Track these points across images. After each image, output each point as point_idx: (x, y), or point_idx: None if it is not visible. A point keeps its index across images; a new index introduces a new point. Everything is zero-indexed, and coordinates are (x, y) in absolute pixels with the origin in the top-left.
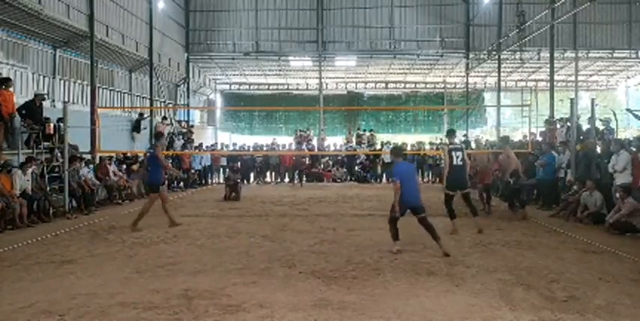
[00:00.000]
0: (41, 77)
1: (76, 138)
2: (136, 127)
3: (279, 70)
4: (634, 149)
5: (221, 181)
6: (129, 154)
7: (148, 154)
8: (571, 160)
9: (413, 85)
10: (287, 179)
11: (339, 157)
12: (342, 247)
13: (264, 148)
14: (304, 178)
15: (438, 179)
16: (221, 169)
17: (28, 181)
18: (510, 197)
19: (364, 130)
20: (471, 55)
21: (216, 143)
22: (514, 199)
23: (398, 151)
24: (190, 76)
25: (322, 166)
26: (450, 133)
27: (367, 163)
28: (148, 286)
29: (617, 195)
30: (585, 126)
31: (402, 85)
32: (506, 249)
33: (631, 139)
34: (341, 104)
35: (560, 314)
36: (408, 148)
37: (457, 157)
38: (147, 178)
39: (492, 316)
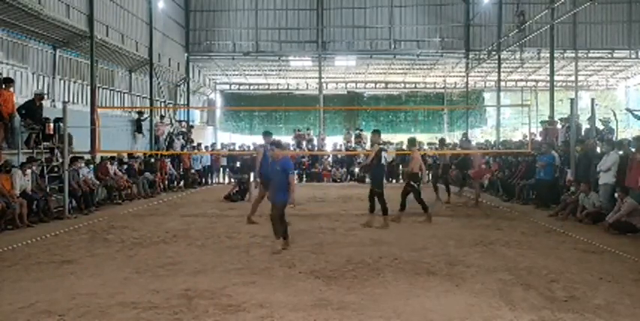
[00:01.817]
0: (41, 77)
1: (76, 138)
2: (137, 127)
3: (279, 70)
4: (633, 150)
5: (221, 181)
6: (136, 155)
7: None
8: (571, 161)
9: (413, 85)
10: None
11: (339, 157)
12: (342, 247)
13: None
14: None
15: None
16: (221, 169)
17: (28, 181)
18: (402, 197)
19: (361, 130)
20: (470, 55)
21: (215, 143)
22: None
23: (281, 145)
24: (190, 76)
25: (322, 165)
26: (376, 134)
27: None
28: (148, 286)
29: (616, 195)
30: (585, 126)
31: (402, 85)
32: (506, 249)
33: (630, 139)
34: (341, 104)
35: (560, 314)
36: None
37: (384, 157)
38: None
39: (492, 315)
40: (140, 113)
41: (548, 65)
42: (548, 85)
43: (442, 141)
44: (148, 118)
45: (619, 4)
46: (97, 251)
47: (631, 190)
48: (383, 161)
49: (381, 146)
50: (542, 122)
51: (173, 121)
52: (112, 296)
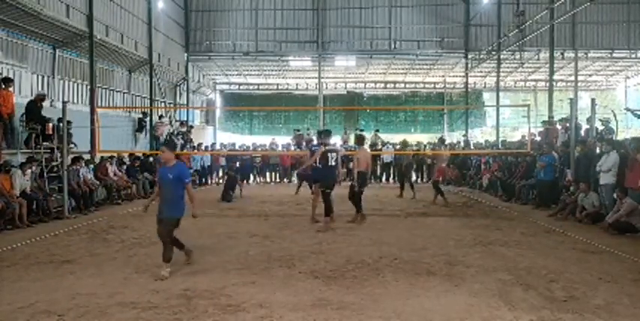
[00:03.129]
0: (40, 77)
1: (76, 138)
2: (139, 127)
3: (279, 71)
4: (633, 149)
5: (221, 181)
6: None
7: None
8: (571, 161)
9: (413, 85)
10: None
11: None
12: (341, 247)
13: (260, 149)
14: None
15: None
16: (221, 169)
17: (28, 181)
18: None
19: (361, 130)
20: (470, 55)
21: (214, 143)
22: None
23: (174, 145)
24: (190, 76)
25: None
26: (326, 134)
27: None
28: (148, 286)
29: (615, 195)
30: (585, 126)
31: (402, 85)
32: (506, 249)
33: (630, 139)
34: (341, 104)
35: (560, 314)
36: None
37: (332, 158)
38: (314, 176)
39: (491, 316)
40: (144, 114)
41: (547, 65)
42: (548, 85)
43: (404, 143)
44: (148, 118)
45: (618, 4)
46: (97, 251)
47: (630, 190)
48: (330, 162)
49: (327, 147)
50: (543, 122)
51: (173, 121)
52: (111, 296)
